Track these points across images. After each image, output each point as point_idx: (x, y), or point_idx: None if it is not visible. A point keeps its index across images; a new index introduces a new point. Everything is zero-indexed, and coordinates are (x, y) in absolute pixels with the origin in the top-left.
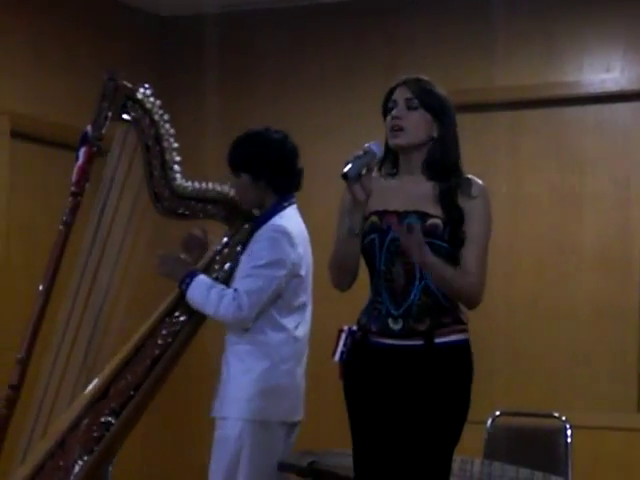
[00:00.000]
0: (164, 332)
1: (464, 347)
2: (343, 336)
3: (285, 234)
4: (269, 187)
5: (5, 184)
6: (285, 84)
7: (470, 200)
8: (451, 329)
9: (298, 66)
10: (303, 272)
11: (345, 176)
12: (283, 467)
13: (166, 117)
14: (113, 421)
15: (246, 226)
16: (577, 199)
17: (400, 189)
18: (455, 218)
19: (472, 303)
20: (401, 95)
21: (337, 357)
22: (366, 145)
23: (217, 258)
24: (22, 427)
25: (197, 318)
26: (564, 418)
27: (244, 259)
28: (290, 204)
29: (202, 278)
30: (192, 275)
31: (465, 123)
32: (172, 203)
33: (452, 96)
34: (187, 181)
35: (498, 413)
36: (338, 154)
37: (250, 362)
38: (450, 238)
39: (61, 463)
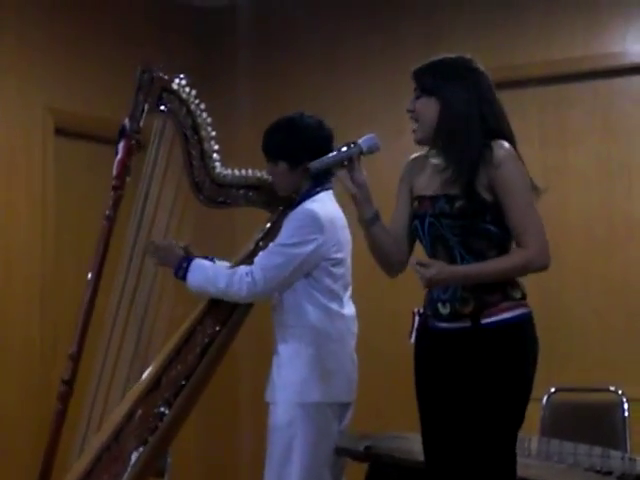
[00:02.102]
0: (213, 319)
1: (517, 324)
2: (416, 318)
3: (313, 217)
4: (306, 173)
5: (51, 181)
6: (321, 68)
7: (495, 170)
8: (499, 308)
9: (334, 49)
10: (339, 255)
11: (311, 168)
12: (339, 451)
13: (202, 106)
14: (167, 411)
15: (287, 212)
16: (625, 170)
17: (436, 170)
18: (472, 199)
19: (543, 268)
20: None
21: (412, 339)
22: (359, 140)
23: (260, 244)
24: (77, 421)
25: (245, 304)
26: (620, 392)
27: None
28: (324, 189)
29: (200, 260)
30: (188, 259)
31: (509, 99)
32: (213, 192)
33: (494, 72)
34: (226, 169)
35: (554, 390)
36: (380, 139)
37: (297, 345)
38: (472, 219)
39: (117, 455)
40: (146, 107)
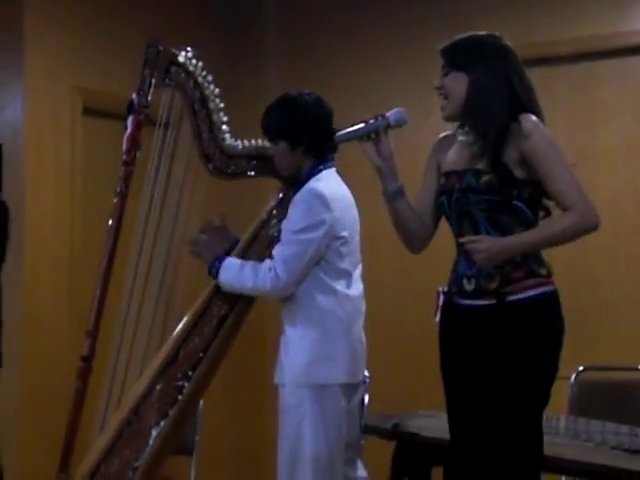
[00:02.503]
0: (229, 292)
1: (543, 301)
2: (441, 297)
3: (319, 197)
4: (308, 152)
5: (80, 160)
6: (349, 48)
7: (525, 141)
8: (524, 285)
9: (362, 29)
10: (345, 233)
11: (336, 138)
12: (366, 429)
13: (210, 78)
14: (185, 384)
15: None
16: None
17: (464, 146)
18: (499, 173)
19: (593, 228)
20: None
21: (437, 318)
22: (387, 113)
23: (274, 212)
24: (97, 398)
25: None
26: None
27: (283, 225)
28: (326, 167)
29: (231, 260)
30: (220, 259)
31: (537, 77)
32: (223, 163)
33: (521, 50)
34: (236, 140)
35: (582, 368)
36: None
37: (303, 328)
38: (500, 194)
39: (138, 430)
40: (153, 81)
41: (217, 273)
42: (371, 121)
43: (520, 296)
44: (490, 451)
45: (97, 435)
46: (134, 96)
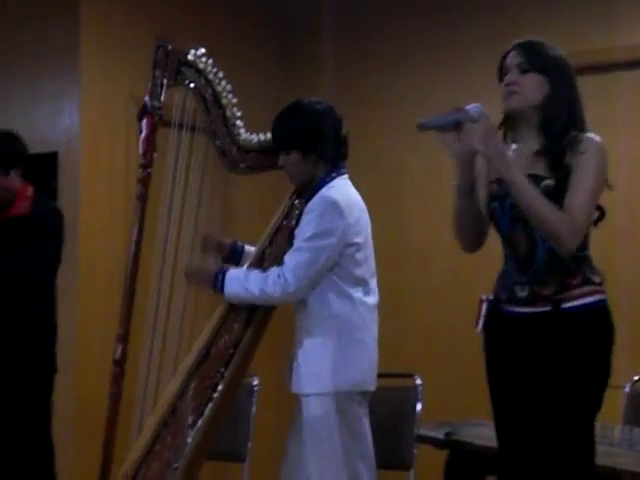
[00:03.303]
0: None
1: (597, 309)
2: (484, 306)
3: (333, 204)
4: (319, 160)
5: (134, 168)
6: (402, 53)
7: (578, 156)
8: (580, 292)
9: (417, 29)
10: (359, 239)
11: (420, 126)
12: (419, 438)
13: (220, 74)
14: (219, 381)
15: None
16: None
17: (518, 153)
18: (560, 176)
19: (563, 246)
20: (513, 60)
21: (479, 327)
22: (465, 107)
23: (295, 203)
24: (132, 402)
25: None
26: None
27: (297, 233)
28: (339, 174)
29: (234, 270)
30: (222, 272)
31: (590, 84)
32: (239, 158)
33: (575, 57)
34: (251, 134)
35: (637, 378)
36: None
37: (321, 335)
38: (557, 198)
39: (175, 430)
40: (165, 82)
41: (222, 287)
42: (455, 113)
43: (575, 303)
44: (543, 460)
45: (135, 437)
46: (146, 98)
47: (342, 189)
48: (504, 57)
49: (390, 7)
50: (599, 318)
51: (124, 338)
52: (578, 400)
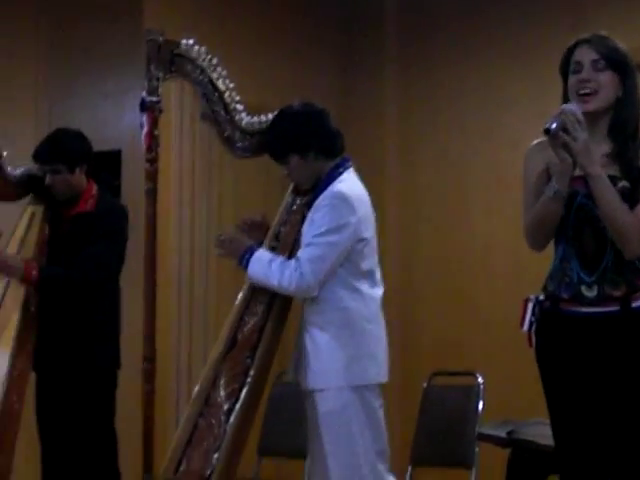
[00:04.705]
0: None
1: None
2: (530, 305)
3: (343, 199)
4: (319, 156)
5: (200, 166)
6: (464, 53)
7: None
8: None
9: (476, 34)
10: (367, 234)
11: (547, 131)
12: (481, 437)
13: (214, 61)
14: (250, 366)
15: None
16: None
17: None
18: (632, 177)
19: (630, 250)
20: (586, 56)
21: (525, 327)
22: (562, 106)
23: (297, 202)
24: (166, 396)
25: None
26: None
27: (306, 228)
28: (346, 168)
29: (261, 252)
30: (251, 250)
31: None
32: (245, 142)
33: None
34: (252, 117)
35: None
36: (522, 124)
37: (334, 330)
38: (630, 200)
39: (212, 420)
40: (160, 75)
41: (247, 265)
42: (558, 116)
43: None
44: (616, 461)
45: (174, 430)
46: (144, 93)
47: (350, 183)
48: (570, 51)
49: (452, 4)
50: None
51: (151, 335)
52: None
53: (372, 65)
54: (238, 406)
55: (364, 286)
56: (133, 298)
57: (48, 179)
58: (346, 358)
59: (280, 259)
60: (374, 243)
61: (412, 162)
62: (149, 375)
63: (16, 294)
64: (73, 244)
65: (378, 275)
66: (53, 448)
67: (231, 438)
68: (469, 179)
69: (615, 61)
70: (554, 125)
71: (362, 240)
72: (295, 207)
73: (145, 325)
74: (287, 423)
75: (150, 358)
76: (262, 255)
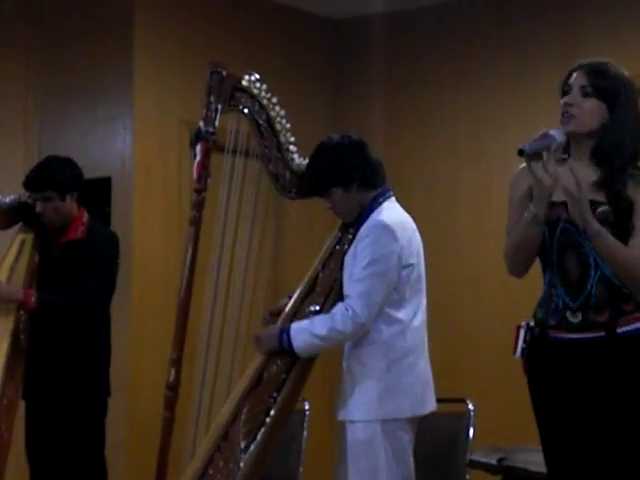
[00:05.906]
0: (308, 311)
1: None
2: (522, 332)
3: (385, 228)
4: (361, 188)
5: (187, 194)
6: (451, 81)
7: None
8: (634, 317)
9: (463, 62)
10: (413, 260)
11: (521, 152)
12: (472, 463)
13: (274, 100)
14: (272, 406)
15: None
16: None
17: (569, 177)
18: (620, 208)
19: (633, 284)
20: (577, 81)
21: (518, 353)
22: (544, 130)
23: (348, 230)
24: (185, 425)
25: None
26: None
27: (350, 260)
28: (386, 198)
29: (296, 324)
30: (286, 330)
31: None
32: (292, 182)
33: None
34: (304, 159)
35: None
36: (512, 150)
37: (370, 362)
38: (616, 228)
39: (228, 454)
40: (219, 107)
41: (290, 343)
42: (538, 137)
43: (629, 328)
44: None
45: (188, 461)
46: (201, 124)
47: (392, 212)
48: (569, 75)
49: (442, 29)
50: None
51: (177, 362)
52: (633, 427)
53: (360, 92)
54: (254, 446)
55: (405, 315)
56: (119, 325)
57: (39, 207)
58: (379, 391)
59: (319, 315)
60: (421, 269)
61: (401, 189)
62: (170, 402)
63: (5, 322)
64: (64, 271)
65: (424, 302)
66: (42, 477)
67: (244, 476)
68: (459, 206)
69: (602, 89)
70: (527, 147)
71: (408, 266)
72: (338, 246)
73: (174, 351)
74: (277, 451)
75: (173, 385)
76: (299, 324)
